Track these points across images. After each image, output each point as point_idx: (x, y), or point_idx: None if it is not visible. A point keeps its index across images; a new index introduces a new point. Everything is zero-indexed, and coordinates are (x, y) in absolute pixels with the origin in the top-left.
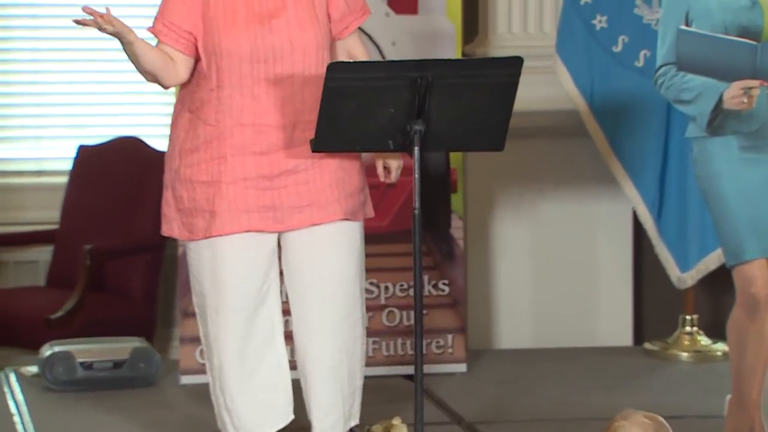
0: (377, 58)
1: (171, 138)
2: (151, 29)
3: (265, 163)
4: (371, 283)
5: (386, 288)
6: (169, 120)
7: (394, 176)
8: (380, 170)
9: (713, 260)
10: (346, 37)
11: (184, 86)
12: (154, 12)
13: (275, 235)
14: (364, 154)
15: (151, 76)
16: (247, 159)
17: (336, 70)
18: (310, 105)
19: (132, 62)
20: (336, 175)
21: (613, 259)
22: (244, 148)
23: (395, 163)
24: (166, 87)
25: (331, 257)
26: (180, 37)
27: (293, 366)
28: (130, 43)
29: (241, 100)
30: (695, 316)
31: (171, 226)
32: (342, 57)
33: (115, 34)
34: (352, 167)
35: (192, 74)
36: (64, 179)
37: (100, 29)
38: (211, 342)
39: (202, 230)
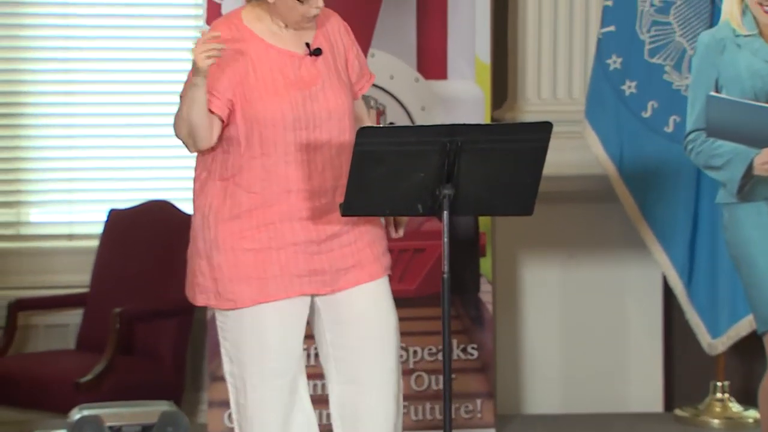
0: (406, 122)
1: (199, 206)
2: None
3: (312, 228)
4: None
5: (414, 352)
6: None
7: (401, 231)
8: (390, 228)
9: (744, 326)
10: (357, 100)
11: (207, 153)
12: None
13: (310, 298)
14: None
15: (187, 131)
16: (295, 225)
17: (366, 134)
18: (346, 169)
19: (183, 107)
20: (372, 234)
21: (643, 325)
22: (291, 214)
23: (403, 219)
24: (195, 149)
25: (377, 312)
26: (224, 105)
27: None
28: (198, 86)
29: (286, 168)
30: (726, 383)
31: (208, 296)
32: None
33: (202, 68)
34: (380, 226)
35: (219, 141)
36: (95, 243)
37: (201, 53)
38: (250, 409)
39: (250, 297)
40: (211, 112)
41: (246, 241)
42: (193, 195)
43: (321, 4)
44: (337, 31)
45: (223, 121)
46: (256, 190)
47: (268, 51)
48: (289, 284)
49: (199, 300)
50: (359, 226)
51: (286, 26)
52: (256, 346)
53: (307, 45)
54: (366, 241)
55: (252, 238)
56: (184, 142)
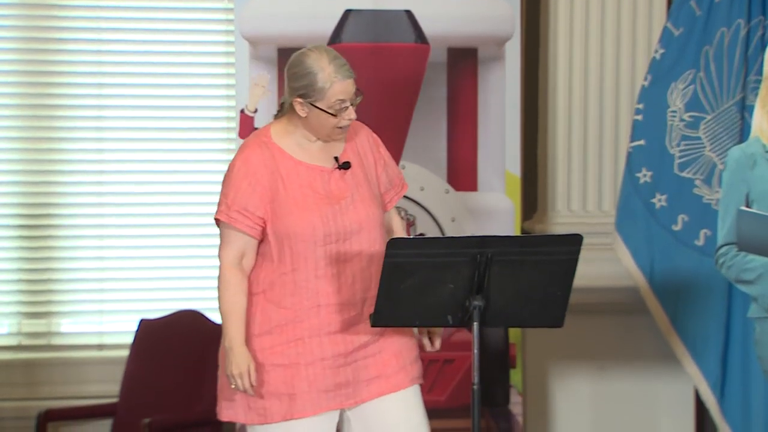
0: (436, 233)
1: None
2: (223, 217)
3: (340, 341)
4: None
5: None
6: None
7: (437, 344)
8: (425, 341)
9: None
10: (388, 212)
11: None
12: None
13: (338, 412)
14: None
15: None
16: (324, 339)
17: (397, 246)
18: (376, 280)
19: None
20: (399, 343)
21: None
22: (320, 328)
23: (438, 330)
24: None
25: (408, 424)
26: (255, 224)
27: None
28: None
29: (317, 282)
30: None
31: (236, 411)
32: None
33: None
34: (408, 335)
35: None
36: (125, 353)
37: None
38: None
39: (280, 413)
40: (241, 230)
41: (276, 357)
42: None
43: (353, 116)
44: (366, 144)
45: (257, 238)
46: (286, 305)
47: (297, 167)
48: (317, 400)
49: (226, 415)
50: (385, 336)
51: (317, 139)
52: None
53: (336, 159)
54: (392, 351)
55: (282, 353)
56: None
